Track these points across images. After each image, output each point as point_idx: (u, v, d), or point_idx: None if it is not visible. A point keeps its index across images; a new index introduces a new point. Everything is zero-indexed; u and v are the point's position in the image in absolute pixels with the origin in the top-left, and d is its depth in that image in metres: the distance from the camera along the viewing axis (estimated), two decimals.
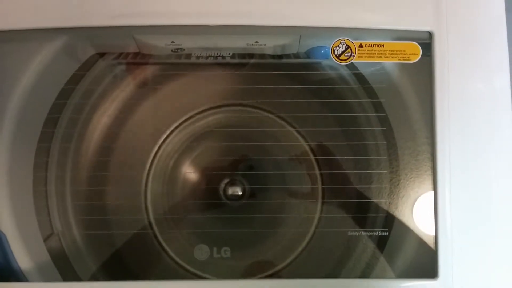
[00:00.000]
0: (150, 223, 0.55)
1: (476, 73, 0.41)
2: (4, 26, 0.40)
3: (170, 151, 0.59)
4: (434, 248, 0.42)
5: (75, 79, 0.50)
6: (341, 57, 0.40)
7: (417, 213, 0.45)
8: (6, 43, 0.42)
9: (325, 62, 0.51)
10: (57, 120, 0.50)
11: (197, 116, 0.62)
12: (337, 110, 0.51)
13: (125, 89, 0.57)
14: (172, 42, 0.46)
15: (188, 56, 0.51)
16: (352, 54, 0.40)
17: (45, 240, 0.49)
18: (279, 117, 0.60)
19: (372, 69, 0.47)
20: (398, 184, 0.48)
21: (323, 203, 0.53)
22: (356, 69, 0.48)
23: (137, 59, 0.52)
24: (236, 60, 0.51)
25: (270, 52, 0.49)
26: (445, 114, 0.40)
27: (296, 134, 0.60)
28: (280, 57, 0.55)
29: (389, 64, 0.43)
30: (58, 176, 0.51)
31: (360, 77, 0.49)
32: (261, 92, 0.55)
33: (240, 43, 0.47)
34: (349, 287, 0.43)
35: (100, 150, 0.55)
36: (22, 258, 0.44)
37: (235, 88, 0.59)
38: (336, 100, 0.50)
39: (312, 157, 0.56)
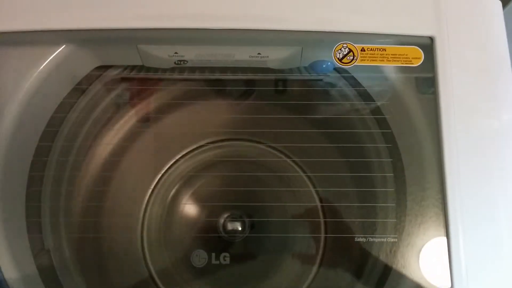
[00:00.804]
0: (147, 267, 0.52)
1: (481, 81, 0.40)
2: (9, 27, 0.40)
3: (166, 191, 0.57)
4: None
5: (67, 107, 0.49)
6: (344, 60, 0.39)
7: (427, 261, 0.43)
8: (10, 46, 0.42)
9: (327, 79, 0.51)
10: (46, 163, 0.49)
11: (197, 151, 0.62)
12: (348, 152, 0.50)
13: (119, 125, 0.57)
14: (175, 53, 0.46)
15: (192, 71, 0.51)
16: (355, 57, 0.39)
17: (35, 255, 0.46)
18: (281, 152, 0.60)
19: (383, 102, 0.46)
20: (403, 232, 0.45)
21: (323, 260, 0.51)
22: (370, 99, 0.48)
23: (140, 74, 0.52)
24: (239, 76, 0.51)
25: (272, 66, 0.49)
26: (452, 138, 0.38)
27: (298, 169, 0.59)
28: (283, 81, 0.56)
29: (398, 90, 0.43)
30: (52, 223, 0.49)
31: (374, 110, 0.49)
32: (261, 124, 0.55)
33: (242, 55, 0.46)
34: None
35: (93, 194, 0.53)
36: (9, 269, 0.41)
37: (234, 123, 0.59)
38: (350, 145, 0.50)
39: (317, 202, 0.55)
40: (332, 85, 0.52)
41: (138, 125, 0.59)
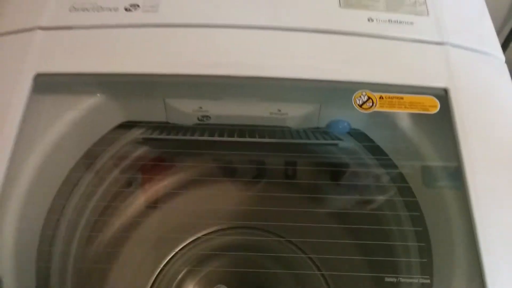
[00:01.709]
0: None
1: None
2: (48, 69, 0.42)
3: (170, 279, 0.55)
4: None
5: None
6: (363, 106, 0.40)
7: None
8: (47, 92, 0.43)
9: (343, 144, 0.52)
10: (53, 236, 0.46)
11: (203, 238, 0.60)
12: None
13: (128, 202, 0.57)
14: (200, 108, 0.48)
15: (212, 132, 0.52)
16: (374, 104, 0.40)
17: None
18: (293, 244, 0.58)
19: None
20: None
21: None
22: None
23: (162, 135, 0.53)
24: (256, 140, 0.52)
25: (291, 124, 0.49)
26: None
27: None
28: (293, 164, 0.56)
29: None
30: None
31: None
32: (269, 211, 0.54)
33: (263, 111, 0.48)
34: None
35: (98, 272, 0.51)
36: None
37: (242, 210, 0.59)
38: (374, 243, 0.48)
39: None
40: (349, 153, 0.52)
41: (147, 206, 0.58)
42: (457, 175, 0.38)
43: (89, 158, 0.49)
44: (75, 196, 0.49)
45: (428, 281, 0.36)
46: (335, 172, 0.55)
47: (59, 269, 0.45)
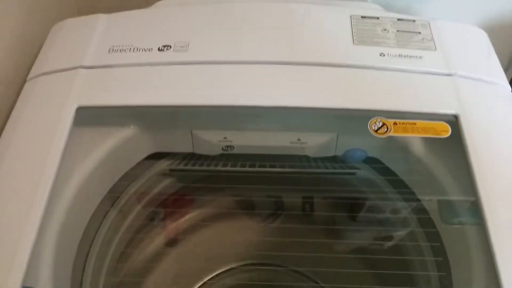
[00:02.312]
0: None
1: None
2: (88, 103, 0.45)
3: None
4: None
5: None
6: (379, 131, 0.42)
7: None
8: (86, 125, 0.47)
9: (360, 173, 0.54)
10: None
11: (223, 275, 0.61)
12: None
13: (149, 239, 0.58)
14: (225, 138, 0.50)
15: (234, 164, 0.55)
16: (388, 129, 0.42)
17: None
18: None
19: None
20: None
21: None
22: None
23: (188, 166, 0.56)
24: (277, 170, 0.54)
25: (309, 153, 0.52)
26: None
27: None
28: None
29: None
30: None
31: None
32: (288, 248, 0.55)
33: (283, 141, 0.50)
34: None
35: None
36: None
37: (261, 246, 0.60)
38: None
39: None
40: (369, 184, 0.53)
41: (166, 244, 0.60)
42: (475, 210, 0.39)
43: (125, 180, 0.51)
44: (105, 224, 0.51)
45: None
46: (355, 205, 0.56)
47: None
